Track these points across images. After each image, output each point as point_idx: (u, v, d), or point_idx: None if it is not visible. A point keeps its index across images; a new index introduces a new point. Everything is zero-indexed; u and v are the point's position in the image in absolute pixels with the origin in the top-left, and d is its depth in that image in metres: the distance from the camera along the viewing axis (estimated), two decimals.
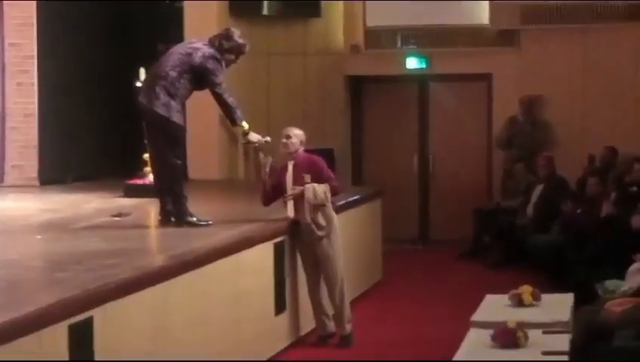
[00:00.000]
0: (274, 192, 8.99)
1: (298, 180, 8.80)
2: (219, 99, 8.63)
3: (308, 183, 8.74)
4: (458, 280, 12.05)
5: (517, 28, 14.32)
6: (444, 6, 14.29)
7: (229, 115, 8.73)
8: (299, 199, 8.77)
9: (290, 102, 14.18)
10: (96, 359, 5.68)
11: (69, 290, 5.72)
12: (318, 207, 8.77)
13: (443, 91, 15.01)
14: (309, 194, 8.71)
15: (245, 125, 8.73)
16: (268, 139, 8.90)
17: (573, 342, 6.82)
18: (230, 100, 8.62)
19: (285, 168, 8.91)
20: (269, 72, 14.23)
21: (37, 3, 12.65)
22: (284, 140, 8.87)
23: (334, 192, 8.91)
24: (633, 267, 8.26)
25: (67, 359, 5.42)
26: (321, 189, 8.75)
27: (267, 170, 8.93)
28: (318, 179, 8.81)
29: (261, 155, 9.00)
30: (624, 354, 6.72)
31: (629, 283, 8.09)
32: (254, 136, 8.81)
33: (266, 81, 14.19)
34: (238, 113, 8.68)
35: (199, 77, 8.59)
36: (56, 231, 8.62)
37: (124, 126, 12.47)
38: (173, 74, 8.52)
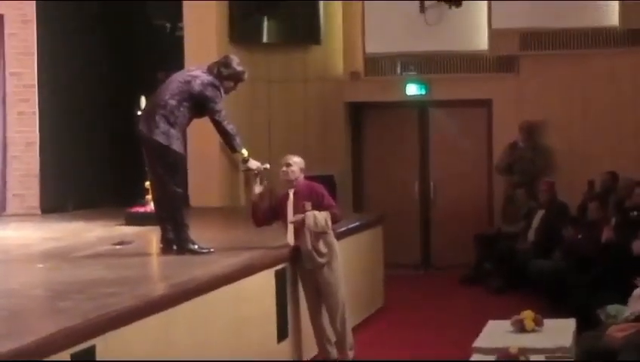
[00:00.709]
0: (270, 213, 8.98)
1: (299, 208, 8.80)
2: (218, 126, 8.64)
3: (309, 211, 8.75)
4: (460, 305, 12.03)
5: (516, 54, 14.35)
6: (444, 32, 14.33)
7: (228, 142, 8.74)
8: (300, 226, 8.77)
9: (291, 129, 14.20)
10: None
11: (71, 319, 5.71)
12: (319, 234, 8.77)
13: (443, 117, 15.03)
14: (309, 222, 8.71)
15: (245, 152, 8.73)
16: (267, 166, 8.91)
17: None
18: (230, 127, 8.63)
19: (286, 196, 8.91)
20: (269, 99, 14.26)
21: (37, 32, 12.70)
22: (284, 168, 8.88)
23: (335, 219, 8.92)
24: (636, 292, 8.25)
25: None
26: (322, 217, 8.75)
27: (256, 191, 8.89)
28: (318, 206, 8.82)
29: (257, 181, 8.95)
30: None
31: (631, 309, 8.08)
32: (254, 163, 8.80)
33: (267, 108, 14.22)
34: (238, 140, 8.68)
35: (198, 104, 8.61)
36: (57, 259, 8.62)
37: (126, 154, 12.49)
38: (172, 102, 8.54)
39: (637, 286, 8.23)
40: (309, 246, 8.73)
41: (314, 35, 14.36)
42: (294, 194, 8.88)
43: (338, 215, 8.97)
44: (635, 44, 13.91)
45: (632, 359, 6.90)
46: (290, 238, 8.85)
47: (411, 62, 14.79)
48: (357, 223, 10.99)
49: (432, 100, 14.86)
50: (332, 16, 14.67)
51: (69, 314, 5.90)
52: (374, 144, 15.13)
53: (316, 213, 8.76)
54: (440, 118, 15.04)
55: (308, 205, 8.78)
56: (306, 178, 9.01)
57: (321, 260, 8.79)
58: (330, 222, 8.82)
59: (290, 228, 8.87)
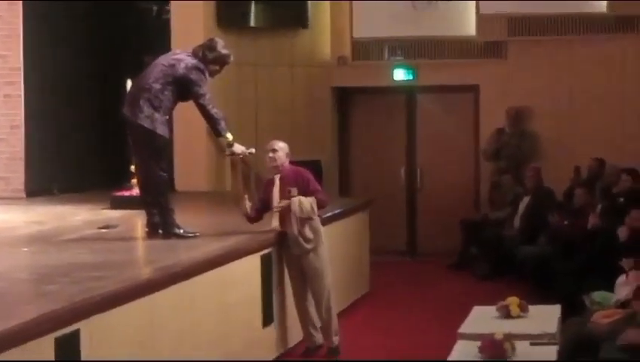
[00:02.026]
0: (261, 207, 8.96)
1: (285, 193, 8.78)
2: (202, 110, 8.59)
3: (294, 196, 8.73)
4: (446, 291, 12.05)
5: (504, 39, 14.34)
6: (431, 18, 14.30)
7: (213, 126, 8.68)
8: (286, 212, 8.75)
9: (278, 114, 14.16)
10: None
11: (56, 303, 5.69)
12: (305, 219, 8.75)
13: (430, 102, 15.01)
14: (295, 208, 8.70)
15: (229, 136, 8.68)
16: (252, 150, 8.87)
17: (560, 354, 6.83)
18: (214, 111, 8.58)
19: (272, 182, 8.89)
20: (256, 84, 14.21)
21: (23, 14, 12.63)
22: (270, 155, 8.84)
23: (321, 205, 8.90)
24: (620, 279, 8.27)
25: None
26: (307, 202, 8.74)
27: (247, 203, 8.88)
28: (304, 191, 8.80)
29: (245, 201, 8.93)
30: None
31: (617, 295, 8.10)
32: (239, 148, 8.76)
33: (253, 93, 14.17)
34: (222, 124, 8.63)
35: (183, 88, 8.56)
36: (42, 243, 8.59)
37: (111, 138, 12.45)
38: (156, 86, 8.50)
39: (623, 269, 8.24)
40: (296, 232, 8.73)
41: (301, 19, 14.30)
42: (280, 179, 8.86)
43: (324, 200, 8.96)
44: (623, 30, 13.93)
45: (617, 345, 6.92)
46: (276, 223, 8.84)
47: (399, 47, 14.77)
48: (343, 208, 10.98)
49: (419, 86, 14.84)
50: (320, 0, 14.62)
51: (54, 298, 5.87)
52: (361, 129, 15.12)
53: (302, 198, 8.75)
54: (427, 104, 15.02)
55: (294, 191, 8.77)
56: (292, 163, 8.99)
57: (308, 246, 8.78)
58: (316, 208, 8.80)
59: (276, 213, 8.85)
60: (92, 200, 11.66)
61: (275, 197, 8.84)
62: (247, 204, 8.90)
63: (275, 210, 8.83)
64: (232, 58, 8.87)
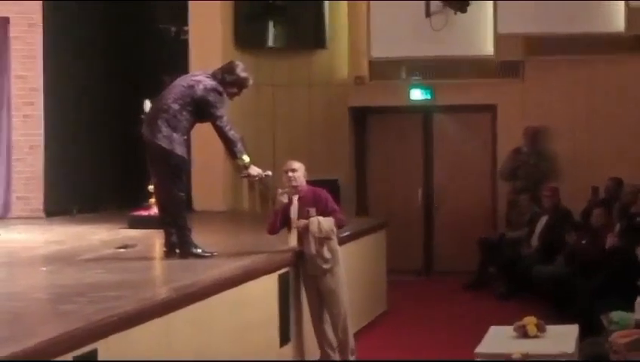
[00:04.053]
0: (283, 220, 8.98)
1: (303, 213, 8.80)
2: (220, 131, 8.61)
3: (313, 216, 8.74)
4: (463, 311, 12.02)
5: (521, 59, 14.35)
6: (449, 37, 14.32)
7: (229, 148, 8.69)
8: (304, 232, 8.77)
9: (295, 134, 14.20)
10: None
11: (73, 323, 5.71)
12: (324, 239, 8.76)
13: (447, 122, 15.03)
14: (313, 228, 8.71)
15: (246, 158, 8.67)
16: (269, 173, 8.87)
17: None
18: (231, 133, 8.59)
19: (290, 202, 8.90)
20: (273, 104, 14.26)
21: (43, 35, 12.72)
22: (290, 174, 8.85)
23: (339, 225, 8.91)
24: (639, 299, 8.24)
25: None
26: (326, 222, 8.75)
27: (284, 201, 8.87)
28: (323, 211, 8.81)
29: (279, 193, 8.92)
30: None
31: (637, 315, 8.07)
32: (255, 170, 8.75)
33: (271, 113, 14.22)
34: (239, 146, 8.64)
35: (201, 109, 8.59)
36: (61, 263, 8.62)
37: (130, 157, 12.50)
38: (175, 106, 8.54)
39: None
40: (314, 252, 8.73)
41: (319, 39, 14.36)
42: (299, 199, 8.87)
43: (342, 220, 8.97)
44: (639, 50, 13.90)
45: None
46: (293, 242, 8.85)
47: (416, 67, 14.79)
48: (360, 228, 10.98)
49: (436, 105, 14.85)
50: (337, 20, 14.67)
51: (72, 318, 5.90)
52: (378, 149, 15.13)
53: (320, 218, 8.76)
54: (444, 123, 15.03)
55: (312, 211, 8.78)
56: (309, 183, 9.01)
57: (325, 266, 8.79)
58: (334, 228, 8.82)
59: (294, 232, 8.87)
60: (110, 220, 11.70)
61: (294, 217, 8.85)
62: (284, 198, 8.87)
63: (294, 226, 8.84)
64: (251, 81, 8.88)
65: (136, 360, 6.10)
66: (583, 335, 7.88)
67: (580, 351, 7.45)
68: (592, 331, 8.24)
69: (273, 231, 9.00)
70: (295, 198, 8.88)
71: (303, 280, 8.92)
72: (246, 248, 9.11)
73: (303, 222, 8.77)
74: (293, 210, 8.86)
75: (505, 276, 12.85)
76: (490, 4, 14.23)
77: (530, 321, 7.63)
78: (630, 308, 8.27)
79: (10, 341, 5.24)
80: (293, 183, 8.85)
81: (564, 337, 7.59)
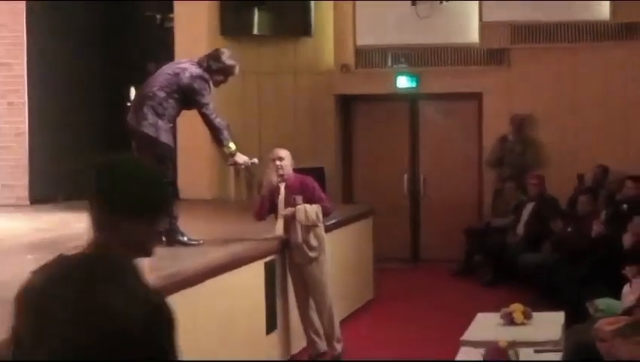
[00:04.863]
0: (270, 206, 8.97)
1: (290, 201, 8.80)
2: (206, 119, 8.59)
3: (299, 204, 8.74)
4: (449, 298, 12.04)
5: (507, 47, 14.36)
6: (435, 25, 14.32)
7: (215, 135, 8.67)
8: (290, 220, 8.76)
9: (281, 121, 14.17)
10: None
11: None
12: (310, 227, 8.77)
13: (433, 110, 15.03)
14: (300, 216, 8.71)
15: (232, 146, 8.65)
16: (255, 160, 8.86)
17: (564, 361, 6.82)
18: (217, 121, 8.57)
19: (277, 190, 8.90)
20: (259, 91, 14.23)
21: (27, 22, 12.66)
22: (277, 163, 8.84)
23: (326, 213, 8.92)
24: (626, 288, 8.25)
25: None
26: (312, 210, 8.75)
27: (274, 182, 8.86)
28: (309, 200, 8.81)
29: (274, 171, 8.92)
30: None
31: (623, 304, 8.08)
32: (241, 158, 8.73)
33: (257, 100, 14.18)
34: (225, 134, 8.62)
35: (187, 97, 8.56)
36: (47, 251, 8.56)
37: (115, 145, 12.42)
38: (160, 94, 8.50)
39: (627, 277, 8.23)
40: (300, 240, 8.74)
41: (305, 27, 14.33)
42: (285, 188, 8.87)
43: (329, 208, 8.98)
44: (626, 38, 13.94)
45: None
46: (280, 230, 8.84)
47: (402, 54, 14.78)
48: (346, 216, 10.98)
49: (422, 93, 14.85)
50: (323, 8, 14.64)
51: None
52: (364, 136, 15.13)
53: (307, 206, 8.76)
54: (430, 111, 15.04)
55: (299, 199, 8.78)
56: (296, 170, 9.00)
57: (312, 254, 8.79)
58: (321, 216, 8.82)
59: (281, 220, 8.86)
60: None
61: (281, 205, 8.84)
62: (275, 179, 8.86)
63: (280, 214, 8.83)
64: (237, 69, 8.85)
65: None
66: (569, 323, 7.91)
67: (566, 338, 7.47)
68: (578, 318, 8.25)
69: (260, 216, 8.99)
70: (282, 186, 8.87)
71: (289, 268, 8.92)
72: (232, 236, 9.09)
73: (289, 209, 8.77)
74: (280, 198, 8.85)
75: (491, 264, 12.87)
76: None
77: (516, 308, 7.66)
78: (616, 295, 8.29)
79: None
80: (280, 171, 8.84)
81: (550, 324, 7.62)
